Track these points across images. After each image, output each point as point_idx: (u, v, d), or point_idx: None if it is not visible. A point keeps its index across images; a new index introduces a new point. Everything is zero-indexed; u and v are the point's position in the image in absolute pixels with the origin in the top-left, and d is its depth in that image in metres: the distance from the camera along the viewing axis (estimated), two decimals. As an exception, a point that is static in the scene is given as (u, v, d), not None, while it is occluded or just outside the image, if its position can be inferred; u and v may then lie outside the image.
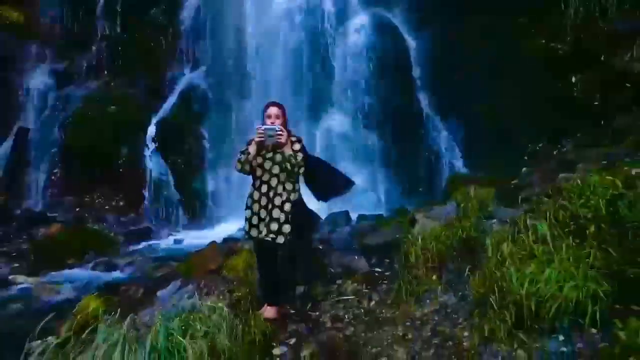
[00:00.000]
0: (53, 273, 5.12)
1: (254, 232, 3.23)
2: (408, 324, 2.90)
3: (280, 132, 3.14)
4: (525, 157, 6.93)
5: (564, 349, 2.01)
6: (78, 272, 5.21)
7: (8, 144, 7.55)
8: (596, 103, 6.89)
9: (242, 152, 3.33)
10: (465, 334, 2.54)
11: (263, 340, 2.77)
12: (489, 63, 8.05)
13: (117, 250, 5.91)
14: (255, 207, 3.26)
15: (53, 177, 7.42)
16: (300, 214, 3.20)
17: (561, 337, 2.06)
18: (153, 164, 7.38)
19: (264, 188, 3.27)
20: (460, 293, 2.97)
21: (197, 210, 7.36)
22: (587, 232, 2.32)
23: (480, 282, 2.62)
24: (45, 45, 8.69)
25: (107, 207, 7.17)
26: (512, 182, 5.18)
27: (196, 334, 2.24)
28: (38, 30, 8.81)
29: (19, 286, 4.82)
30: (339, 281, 3.93)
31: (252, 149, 3.24)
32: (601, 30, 7.43)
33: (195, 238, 6.68)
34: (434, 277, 3.25)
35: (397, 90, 8.15)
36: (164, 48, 8.76)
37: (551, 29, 8.09)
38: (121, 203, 7.24)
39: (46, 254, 5.54)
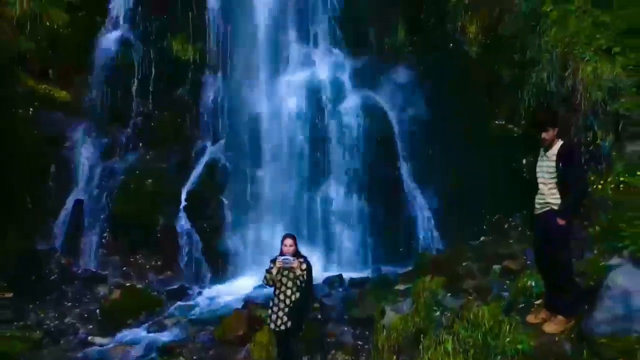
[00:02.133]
0: (119, 334, 6.86)
1: (272, 325, 5.00)
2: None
3: (292, 263, 4.90)
4: (484, 227, 8.67)
5: None
6: (138, 332, 6.94)
7: (65, 213, 9.28)
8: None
9: (268, 271, 5.10)
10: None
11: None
12: (460, 140, 9.78)
13: (163, 310, 7.65)
14: (275, 308, 5.02)
15: (103, 240, 9.16)
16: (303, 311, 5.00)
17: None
18: (184, 229, 9.13)
19: (282, 296, 5.02)
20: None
21: (220, 268, 9.10)
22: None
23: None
24: (90, 122, 10.40)
25: (147, 266, 8.92)
26: (464, 263, 6.89)
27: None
28: (83, 109, 10.53)
29: (96, 348, 6.55)
30: (332, 351, 5.68)
31: (275, 270, 5.01)
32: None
33: (219, 292, 8.48)
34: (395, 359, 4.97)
35: (383, 163, 9.89)
36: (189, 124, 10.48)
37: (508, 111, 9.82)
38: (159, 263, 8.98)
39: (110, 316, 7.28)
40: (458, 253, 7.29)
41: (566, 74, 8.60)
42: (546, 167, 4.06)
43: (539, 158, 4.20)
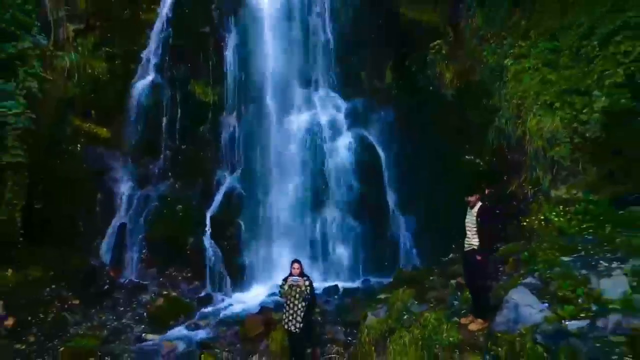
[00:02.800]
0: (165, 333, 8.88)
1: (285, 326, 7.01)
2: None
3: (299, 282, 6.92)
4: (453, 246, 10.66)
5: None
6: (179, 331, 8.96)
7: (111, 234, 11.32)
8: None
9: (281, 287, 7.13)
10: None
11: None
12: (435, 172, 11.80)
13: (195, 314, 9.68)
14: (286, 314, 7.04)
15: (142, 256, 11.19)
16: (308, 316, 6.99)
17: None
18: (208, 247, 11.16)
19: (291, 305, 7.03)
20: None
21: (238, 279, 11.13)
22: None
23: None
24: (127, 155, 12.43)
25: (179, 277, 10.95)
26: (430, 278, 8.89)
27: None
28: (121, 144, 12.55)
29: (149, 343, 8.55)
30: (328, 345, 7.69)
31: (286, 287, 7.03)
32: (505, 157, 11.15)
33: (239, 299, 10.51)
34: (373, 350, 6.97)
35: (372, 191, 11.93)
36: (210, 157, 12.51)
37: (477, 148, 11.83)
38: (189, 274, 11.01)
39: (156, 318, 9.31)
40: (427, 270, 9.32)
41: (519, 122, 10.64)
42: (470, 220, 6.10)
43: (467, 213, 6.23)
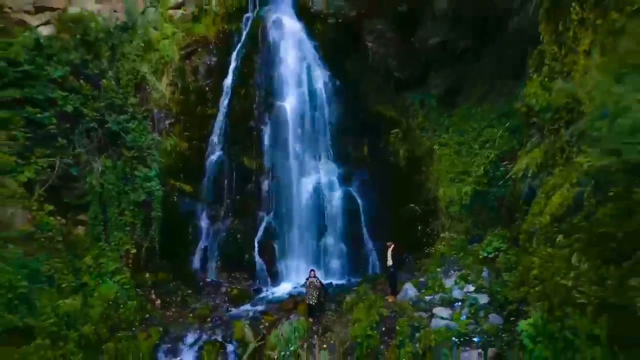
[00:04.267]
0: (239, 308, 16.69)
1: (307, 301, 14.96)
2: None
3: (314, 281, 14.90)
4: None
5: None
6: (246, 307, 16.75)
7: (199, 252, 19.19)
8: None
9: (303, 286, 15.15)
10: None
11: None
12: (392, 213, 19.66)
13: (253, 298, 17.54)
14: (308, 296, 15.00)
15: (217, 265, 19.07)
16: (319, 297, 14.94)
17: None
18: (257, 260, 19.03)
19: (310, 292, 15.01)
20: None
21: (275, 279, 19.00)
22: None
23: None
24: (204, 203, 20.28)
25: (241, 278, 18.82)
26: (380, 278, 16.74)
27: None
28: (200, 196, 20.39)
29: (233, 311, 16.36)
30: (328, 311, 15.55)
31: (308, 282, 15.03)
32: (431, 208, 19.09)
33: (276, 290, 18.36)
34: (348, 312, 14.76)
35: (353, 225, 19.78)
36: (255, 203, 20.37)
37: (417, 198, 19.69)
38: (245, 276, 18.88)
39: (233, 301, 17.15)
40: (380, 274, 17.21)
41: (437, 188, 18.48)
42: (389, 253, 14.06)
43: (388, 249, 14.20)
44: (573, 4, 10.69)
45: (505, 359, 10.38)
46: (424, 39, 19.72)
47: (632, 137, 7.20)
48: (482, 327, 11.55)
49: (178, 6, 22.56)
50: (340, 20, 21.24)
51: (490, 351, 10.66)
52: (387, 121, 21.23)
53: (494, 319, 11.65)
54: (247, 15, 23.50)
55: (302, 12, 22.83)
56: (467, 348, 11.00)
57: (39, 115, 14.60)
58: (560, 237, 9.65)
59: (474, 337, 11.26)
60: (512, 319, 11.21)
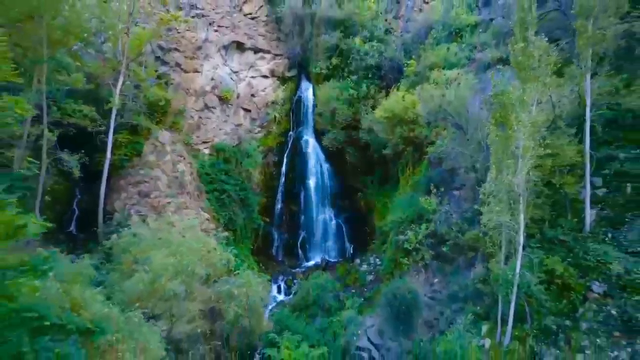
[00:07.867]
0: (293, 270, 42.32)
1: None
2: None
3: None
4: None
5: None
6: (298, 269, 42.42)
7: (274, 247, 45.03)
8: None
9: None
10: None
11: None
12: (359, 231, 45.54)
13: (298, 266, 43.37)
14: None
15: (282, 253, 45.00)
16: None
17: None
18: (299, 252, 45.01)
19: (323, 263, 41.28)
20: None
21: (304, 257, 44.86)
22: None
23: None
24: (275, 225, 46.03)
25: (292, 258, 44.74)
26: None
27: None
28: (274, 222, 46.11)
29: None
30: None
31: None
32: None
33: (306, 265, 44.18)
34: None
35: (341, 237, 45.59)
36: (296, 224, 46.25)
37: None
38: (294, 257, 44.84)
39: (291, 267, 42.98)
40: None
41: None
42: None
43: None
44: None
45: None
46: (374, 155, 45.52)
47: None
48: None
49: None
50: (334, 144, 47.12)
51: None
52: (356, 190, 47.11)
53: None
54: (290, 133, 49.32)
55: (317, 133, 48.64)
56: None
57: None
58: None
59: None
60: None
